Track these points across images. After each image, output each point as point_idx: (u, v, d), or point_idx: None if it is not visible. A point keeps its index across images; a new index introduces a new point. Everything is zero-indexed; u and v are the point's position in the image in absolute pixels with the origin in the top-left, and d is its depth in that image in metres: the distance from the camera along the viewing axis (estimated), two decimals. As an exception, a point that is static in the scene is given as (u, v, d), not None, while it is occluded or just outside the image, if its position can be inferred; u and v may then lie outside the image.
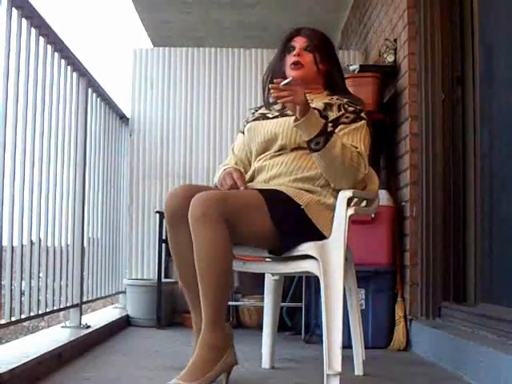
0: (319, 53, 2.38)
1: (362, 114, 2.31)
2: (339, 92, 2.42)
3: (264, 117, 2.43)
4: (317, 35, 2.42)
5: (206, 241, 2.01)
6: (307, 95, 2.19)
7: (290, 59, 2.39)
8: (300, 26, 2.46)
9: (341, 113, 2.29)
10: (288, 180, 2.28)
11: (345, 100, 2.34)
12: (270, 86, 2.14)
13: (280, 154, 2.33)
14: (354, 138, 2.25)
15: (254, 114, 2.53)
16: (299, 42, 2.40)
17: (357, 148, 2.23)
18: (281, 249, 2.20)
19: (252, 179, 2.39)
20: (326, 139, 2.13)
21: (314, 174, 2.27)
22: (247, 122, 2.50)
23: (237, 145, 2.56)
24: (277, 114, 2.39)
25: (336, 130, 2.23)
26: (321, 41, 2.41)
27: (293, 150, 2.31)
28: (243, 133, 2.52)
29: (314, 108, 2.23)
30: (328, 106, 2.31)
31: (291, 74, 2.35)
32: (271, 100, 2.42)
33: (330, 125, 2.19)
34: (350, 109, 2.31)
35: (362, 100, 2.44)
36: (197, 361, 2.03)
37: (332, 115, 2.29)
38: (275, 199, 2.17)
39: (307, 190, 2.25)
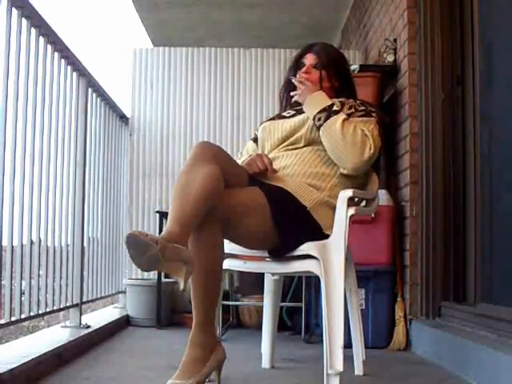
0: (327, 70, 2.46)
1: (373, 114, 2.38)
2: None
3: (280, 116, 2.51)
4: (327, 52, 2.50)
5: (200, 175, 1.97)
6: None
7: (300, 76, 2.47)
8: (313, 42, 2.55)
9: (351, 111, 2.37)
10: (300, 172, 2.30)
11: (358, 102, 2.43)
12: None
13: (294, 148, 2.38)
14: (362, 126, 2.30)
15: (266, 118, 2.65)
16: (309, 59, 2.49)
17: (363, 131, 2.27)
18: (281, 250, 2.20)
19: None
20: (328, 116, 2.28)
21: (329, 171, 2.31)
22: (260, 124, 2.57)
23: (245, 150, 2.58)
24: (293, 112, 2.46)
25: None
26: (330, 58, 2.48)
27: (308, 144, 2.35)
28: (254, 140, 2.58)
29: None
30: (342, 105, 2.39)
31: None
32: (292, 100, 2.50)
33: (337, 106, 2.30)
34: (361, 108, 2.39)
35: (376, 106, 2.54)
36: (189, 359, 2.05)
37: (344, 112, 2.35)
38: (279, 200, 2.17)
39: (317, 188, 2.26)
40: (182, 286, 1.88)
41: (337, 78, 2.48)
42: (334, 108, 2.30)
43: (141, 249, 1.77)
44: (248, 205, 2.12)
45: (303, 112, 2.41)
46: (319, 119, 2.28)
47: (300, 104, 2.47)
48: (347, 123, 2.26)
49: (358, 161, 2.25)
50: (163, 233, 1.87)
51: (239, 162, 2.35)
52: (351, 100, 2.43)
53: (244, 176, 2.24)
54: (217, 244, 2.07)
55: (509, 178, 2.67)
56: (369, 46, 4.59)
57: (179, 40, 6.16)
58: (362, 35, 4.85)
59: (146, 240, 1.76)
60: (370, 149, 2.26)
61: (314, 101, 2.33)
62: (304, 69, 2.47)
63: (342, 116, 2.28)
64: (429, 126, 3.30)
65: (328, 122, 2.27)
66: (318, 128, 2.29)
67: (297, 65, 2.52)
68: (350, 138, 2.24)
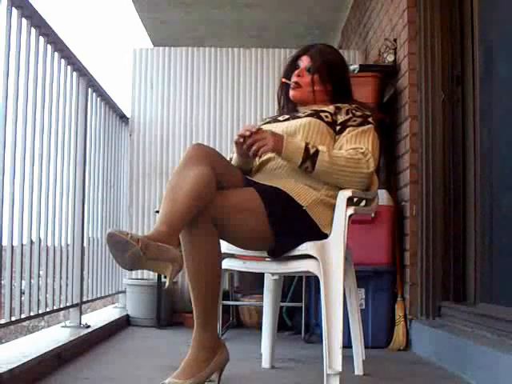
0: (320, 74, 2.44)
1: (370, 119, 2.36)
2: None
3: (275, 120, 2.49)
4: (322, 56, 2.47)
5: (191, 176, 1.99)
6: (316, 107, 2.37)
7: (293, 78, 2.48)
8: (312, 44, 2.54)
9: (348, 116, 2.35)
10: (296, 172, 2.28)
11: (353, 106, 2.41)
12: (235, 139, 2.24)
13: None
14: (361, 140, 2.29)
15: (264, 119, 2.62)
16: (304, 62, 2.49)
17: (361, 149, 2.25)
18: (278, 250, 2.20)
19: (259, 169, 2.40)
20: (313, 162, 2.19)
21: None
22: None
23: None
24: (287, 116, 2.45)
25: (344, 133, 2.31)
26: (324, 62, 2.46)
27: None
28: None
29: (325, 110, 2.35)
30: (337, 110, 2.38)
31: (290, 92, 2.48)
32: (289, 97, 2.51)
33: (312, 146, 2.21)
34: (358, 113, 2.37)
35: (372, 109, 2.52)
36: (190, 360, 2.06)
37: (340, 118, 2.35)
38: (274, 200, 2.16)
39: (313, 187, 2.25)
40: (166, 285, 1.89)
41: (330, 82, 2.46)
42: (311, 150, 2.20)
43: (121, 248, 1.78)
44: (242, 205, 2.12)
45: (297, 117, 2.39)
46: (306, 168, 2.21)
47: (294, 107, 2.50)
48: (335, 158, 2.20)
49: (359, 184, 2.25)
50: (150, 232, 1.88)
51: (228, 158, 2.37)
52: (346, 104, 2.40)
53: (239, 178, 2.24)
54: (212, 245, 2.07)
55: (509, 178, 2.67)
56: (369, 46, 4.59)
57: (179, 40, 6.17)
58: (362, 35, 4.85)
59: (126, 239, 1.77)
60: (368, 166, 2.23)
61: (289, 153, 2.20)
62: (297, 71, 2.47)
63: (325, 154, 2.19)
64: (429, 125, 3.30)
65: (317, 167, 2.19)
66: (309, 173, 2.23)
67: (292, 66, 2.51)
68: (347, 171, 2.21)
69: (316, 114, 2.35)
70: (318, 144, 2.28)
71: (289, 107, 2.53)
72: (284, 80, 2.50)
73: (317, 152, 2.20)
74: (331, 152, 2.22)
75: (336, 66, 2.50)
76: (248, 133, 2.18)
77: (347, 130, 2.31)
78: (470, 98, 3.12)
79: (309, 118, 2.34)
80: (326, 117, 2.33)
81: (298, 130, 2.33)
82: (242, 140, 2.21)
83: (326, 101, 2.46)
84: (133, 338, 3.70)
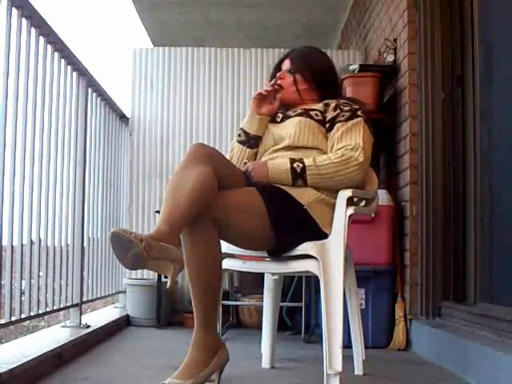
0: (302, 73, 2.48)
1: (358, 113, 2.36)
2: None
3: (271, 121, 2.50)
4: (302, 57, 2.52)
5: (192, 175, 2.00)
6: (305, 106, 2.41)
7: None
8: (295, 48, 2.59)
9: (336, 112, 2.35)
10: None
11: (341, 101, 2.41)
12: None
13: (288, 150, 2.36)
14: (351, 135, 2.29)
15: None
16: (285, 65, 2.54)
17: (350, 145, 2.25)
18: (279, 250, 2.20)
19: None
20: (304, 179, 2.23)
21: None
22: None
23: (231, 145, 2.60)
24: (281, 116, 2.47)
25: (334, 130, 2.31)
26: (305, 62, 2.50)
27: (301, 148, 2.33)
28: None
29: (315, 109, 2.36)
30: (326, 107, 2.39)
31: (276, 96, 2.52)
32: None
33: (297, 165, 2.24)
34: (346, 108, 2.37)
35: (362, 102, 2.52)
36: (190, 360, 2.06)
37: (329, 115, 2.35)
38: (275, 199, 2.17)
39: (314, 187, 2.25)
40: (168, 285, 1.89)
41: (314, 81, 2.48)
42: (298, 169, 2.23)
43: (124, 247, 1.77)
44: (243, 205, 2.13)
45: (288, 116, 2.42)
46: (299, 185, 2.23)
47: (287, 110, 2.50)
48: (323, 168, 2.22)
49: (357, 177, 2.24)
50: (151, 231, 1.88)
51: (228, 156, 2.40)
52: (334, 100, 2.40)
53: (240, 177, 2.25)
54: (213, 244, 2.07)
55: (509, 178, 2.67)
56: (369, 46, 4.59)
57: (179, 40, 6.16)
58: (362, 35, 4.85)
59: (130, 238, 1.77)
60: (356, 159, 2.22)
61: (278, 179, 2.25)
62: (278, 74, 2.51)
63: (312, 168, 2.22)
64: (429, 125, 3.30)
65: (309, 183, 2.23)
66: (305, 186, 2.25)
67: (277, 71, 2.55)
68: (338, 175, 2.22)
69: (306, 113, 2.36)
70: (311, 143, 2.30)
71: (282, 110, 2.54)
72: (265, 82, 2.55)
73: (304, 168, 2.23)
74: (318, 162, 2.23)
75: (318, 64, 2.52)
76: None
77: (336, 126, 2.32)
78: (469, 98, 3.12)
79: (298, 118, 2.36)
80: (316, 115, 2.35)
81: (290, 129, 2.34)
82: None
83: (314, 99, 2.48)
84: (133, 338, 3.69)
